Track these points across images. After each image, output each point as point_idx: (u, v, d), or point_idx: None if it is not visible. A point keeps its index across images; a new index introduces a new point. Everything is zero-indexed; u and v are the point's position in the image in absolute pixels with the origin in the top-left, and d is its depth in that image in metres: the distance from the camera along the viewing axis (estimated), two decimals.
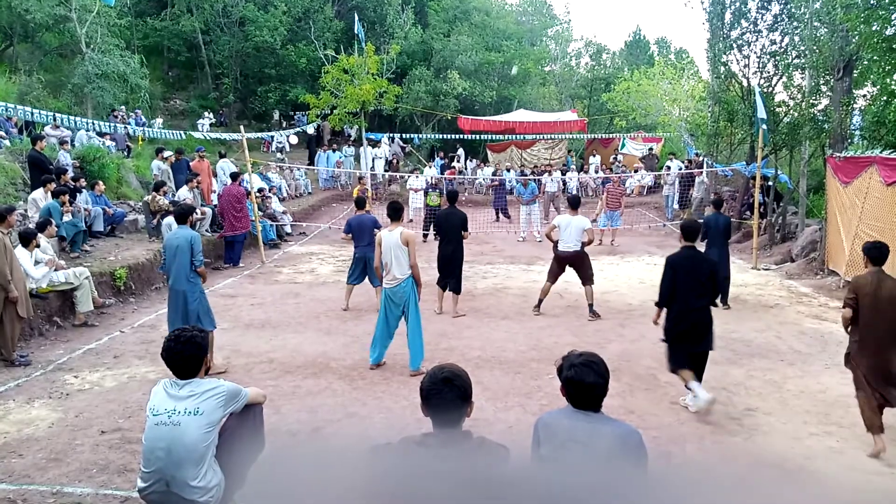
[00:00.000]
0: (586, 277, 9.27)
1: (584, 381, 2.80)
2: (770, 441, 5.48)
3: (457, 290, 9.61)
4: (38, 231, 8.63)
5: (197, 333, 3.64)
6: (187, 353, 3.55)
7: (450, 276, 9.53)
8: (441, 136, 28.75)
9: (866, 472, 4.93)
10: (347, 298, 9.79)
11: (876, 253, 5.33)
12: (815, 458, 5.16)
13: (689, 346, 5.96)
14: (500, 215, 19.66)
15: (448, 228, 9.55)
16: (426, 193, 17.65)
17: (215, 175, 16.64)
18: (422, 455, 2.52)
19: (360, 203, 10.26)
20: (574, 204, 9.49)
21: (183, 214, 7.08)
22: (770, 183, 15.67)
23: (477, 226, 17.17)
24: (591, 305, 9.35)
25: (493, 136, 28.90)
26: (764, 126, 13.15)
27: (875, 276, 5.25)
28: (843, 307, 5.43)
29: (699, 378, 5.94)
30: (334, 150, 25.65)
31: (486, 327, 8.87)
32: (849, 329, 5.44)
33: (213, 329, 6.99)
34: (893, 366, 5.22)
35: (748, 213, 16.22)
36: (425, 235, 16.46)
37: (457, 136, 28.38)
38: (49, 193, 10.38)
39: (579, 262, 9.30)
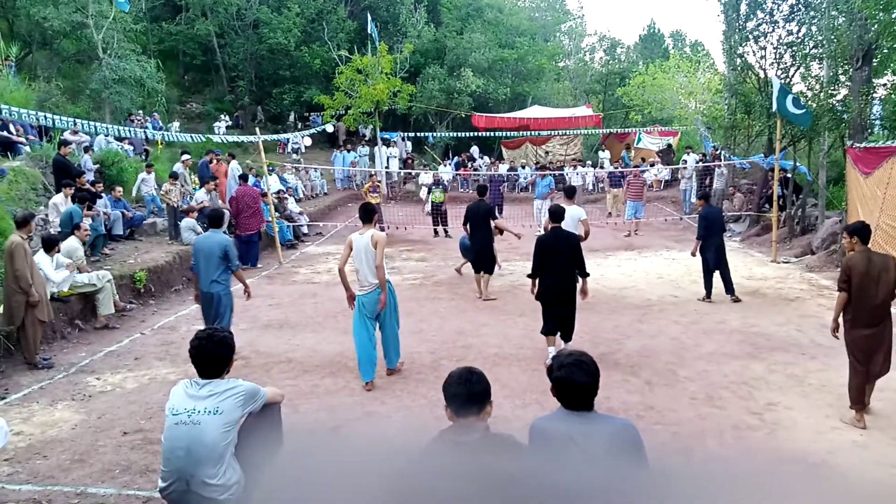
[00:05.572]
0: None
1: (576, 382, 2.76)
2: (792, 436, 5.41)
3: (489, 270, 10.37)
4: (71, 233, 8.94)
5: (228, 335, 3.70)
6: (219, 353, 3.60)
7: (482, 262, 10.27)
8: (455, 134, 28.71)
9: (891, 467, 4.85)
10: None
11: (865, 232, 5.77)
12: (839, 452, 5.08)
13: (555, 309, 7.18)
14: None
15: (474, 219, 10.36)
16: (429, 190, 17.42)
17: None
18: (433, 451, 2.54)
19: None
20: (569, 194, 9.64)
21: (216, 219, 7.37)
22: (789, 175, 15.47)
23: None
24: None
25: (508, 133, 28.83)
26: (796, 112, 12.64)
27: (864, 254, 5.63)
28: (839, 291, 5.71)
29: (568, 336, 7.28)
30: (349, 151, 25.74)
31: (504, 324, 8.84)
32: (839, 317, 5.75)
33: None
34: (885, 336, 5.59)
35: (767, 205, 16.04)
36: (436, 232, 16.40)
37: (471, 134, 28.34)
38: (69, 198, 10.51)
39: None
